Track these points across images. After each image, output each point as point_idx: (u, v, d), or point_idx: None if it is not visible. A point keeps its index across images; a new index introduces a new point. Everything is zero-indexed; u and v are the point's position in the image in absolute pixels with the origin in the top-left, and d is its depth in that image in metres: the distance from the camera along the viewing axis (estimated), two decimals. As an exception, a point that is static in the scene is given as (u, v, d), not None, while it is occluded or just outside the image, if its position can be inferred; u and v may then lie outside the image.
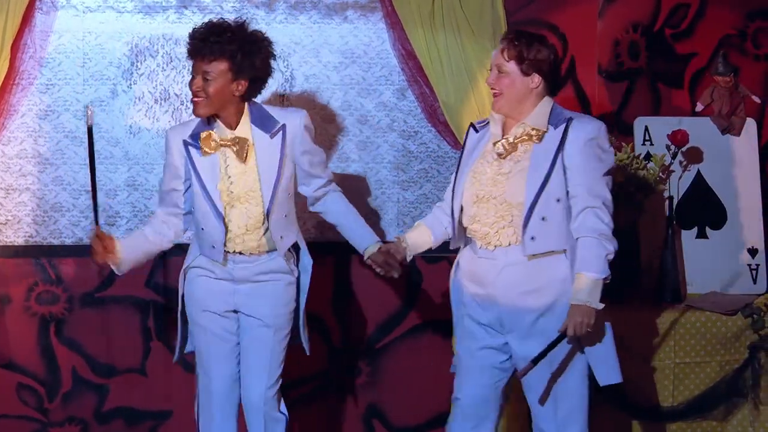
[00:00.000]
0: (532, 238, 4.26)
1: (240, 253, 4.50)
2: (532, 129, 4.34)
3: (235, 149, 4.47)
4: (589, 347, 4.31)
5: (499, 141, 4.35)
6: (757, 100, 5.28)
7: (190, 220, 4.59)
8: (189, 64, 5.06)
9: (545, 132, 4.32)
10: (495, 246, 4.32)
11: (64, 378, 5.25)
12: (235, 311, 4.57)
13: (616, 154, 5.01)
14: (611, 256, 4.22)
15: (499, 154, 4.34)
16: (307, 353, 4.66)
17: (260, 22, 5.11)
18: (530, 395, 4.38)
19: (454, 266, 4.49)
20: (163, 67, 5.16)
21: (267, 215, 4.47)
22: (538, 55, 4.32)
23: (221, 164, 4.49)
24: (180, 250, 4.70)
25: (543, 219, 4.26)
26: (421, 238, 4.54)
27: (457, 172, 4.44)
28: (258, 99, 4.57)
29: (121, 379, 5.26)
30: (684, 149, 5.12)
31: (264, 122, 4.51)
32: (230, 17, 4.91)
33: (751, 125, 5.27)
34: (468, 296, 4.41)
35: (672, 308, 4.99)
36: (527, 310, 4.29)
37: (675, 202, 5.16)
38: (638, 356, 4.91)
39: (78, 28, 5.13)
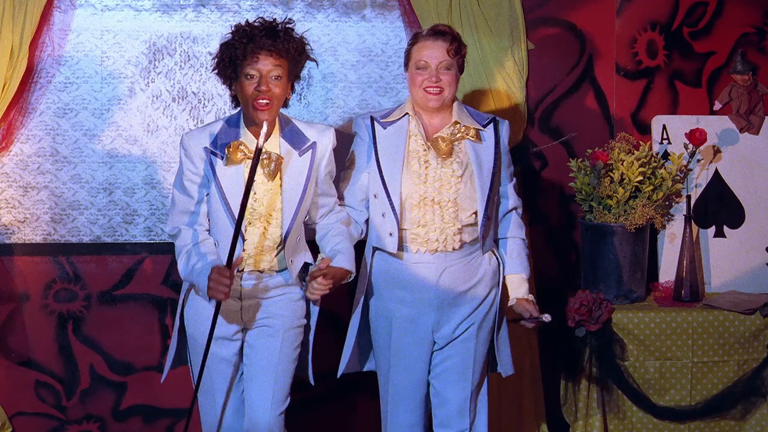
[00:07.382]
0: (484, 237, 4.33)
1: (249, 272, 4.26)
2: (466, 128, 4.34)
3: (270, 166, 4.20)
4: (501, 341, 4.46)
5: (435, 139, 4.31)
6: (775, 98, 5.28)
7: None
8: (206, 62, 5.11)
9: (482, 131, 4.36)
10: (436, 251, 4.31)
11: (82, 376, 5.26)
12: (243, 329, 4.33)
13: (634, 153, 5.01)
14: None
15: (444, 155, 4.29)
16: (312, 384, 4.46)
17: (277, 20, 5.10)
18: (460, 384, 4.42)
19: (369, 273, 4.41)
20: (180, 66, 5.17)
21: (285, 238, 4.22)
22: (465, 52, 4.41)
23: (247, 178, 4.14)
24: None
25: (489, 219, 4.34)
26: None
27: (380, 169, 4.32)
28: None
29: (139, 376, 5.27)
30: (702, 148, 5.10)
31: (294, 138, 4.27)
32: (249, 16, 4.92)
33: (769, 124, 5.27)
34: (394, 302, 4.38)
35: (690, 307, 4.97)
36: (463, 309, 4.36)
37: (693, 201, 5.15)
38: (656, 355, 4.90)
39: (96, 26, 5.14)
